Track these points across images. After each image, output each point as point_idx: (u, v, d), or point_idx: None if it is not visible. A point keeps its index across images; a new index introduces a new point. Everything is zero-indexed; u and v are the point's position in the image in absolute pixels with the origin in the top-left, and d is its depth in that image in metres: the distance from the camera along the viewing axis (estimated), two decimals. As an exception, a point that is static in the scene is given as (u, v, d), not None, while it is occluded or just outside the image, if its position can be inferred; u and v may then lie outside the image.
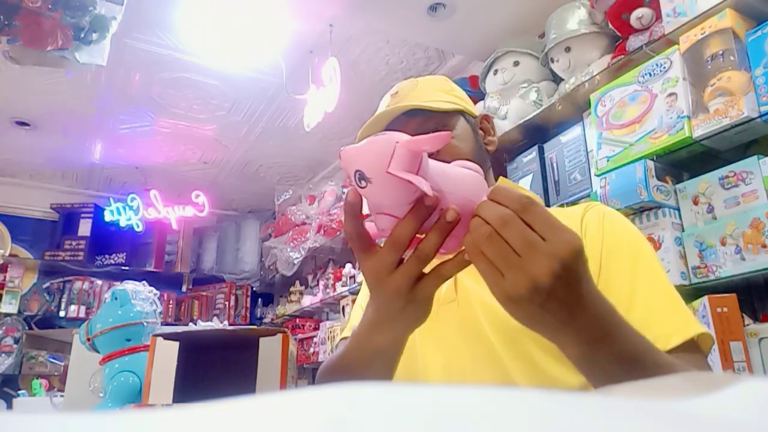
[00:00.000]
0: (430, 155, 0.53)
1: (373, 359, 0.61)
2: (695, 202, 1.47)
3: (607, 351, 0.49)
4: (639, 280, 0.69)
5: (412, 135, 0.80)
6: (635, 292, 0.67)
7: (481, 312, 0.75)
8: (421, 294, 0.51)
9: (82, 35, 1.74)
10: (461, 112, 0.85)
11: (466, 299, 0.78)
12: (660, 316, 0.65)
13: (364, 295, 0.94)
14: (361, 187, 0.48)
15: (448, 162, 0.80)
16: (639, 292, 0.67)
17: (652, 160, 1.55)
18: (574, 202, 1.85)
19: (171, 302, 4.37)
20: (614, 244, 0.72)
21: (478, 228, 0.46)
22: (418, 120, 0.81)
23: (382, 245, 0.50)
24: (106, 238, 4.13)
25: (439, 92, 0.85)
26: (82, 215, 4.15)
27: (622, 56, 1.69)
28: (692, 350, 0.64)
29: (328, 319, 3.75)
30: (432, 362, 0.77)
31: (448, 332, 0.77)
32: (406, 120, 0.82)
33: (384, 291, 0.51)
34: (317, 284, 3.78)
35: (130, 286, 1.14)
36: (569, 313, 0.46)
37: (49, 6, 1.67)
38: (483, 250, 0.45)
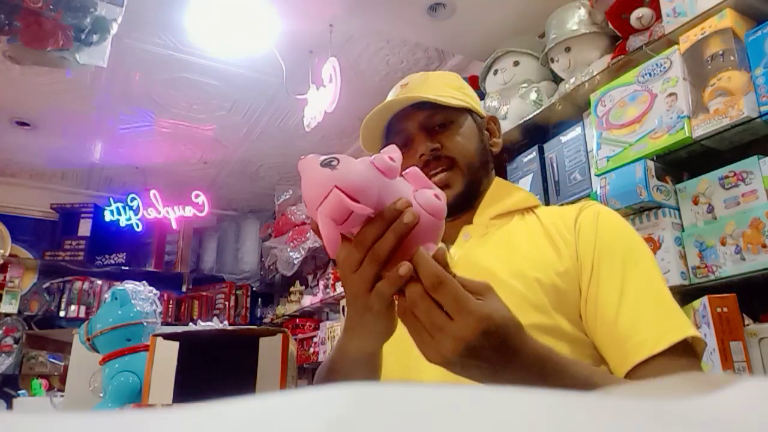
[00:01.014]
0: (424, 169, 0.55)
1: (351, 366, 0.63)
2: (695, 202, 1.47)
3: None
4: (630, 281, 0.68)
5: (419, 127, 0.83)
6: (625, 294, 0.67)
7: None
8: (376, 300, 0.50)
9: (83, 36, 1.74)
10: (469, 111, 0.85)
11: None
12: (649, 318, 0.65)
13: None
14: None
15: (452, 159, 0.83)
16: (629, 294, 0.67)
17: (652, 160, 1.55)
18: (574, 202, 1.85)
19: (171, 302, 4.37)
20: (607, 245, 0.72)
21: (400, 302, 0.49)
22: (425, 113, 0.82)
23: None
24: (106, 238, 4.13)
25: (448, 88, 0.85)
26: (82, 215, 4.15)
27: (622, 56, 1.69)
28: (685, 353, 0.63)
29: (328, 319, 3.75)
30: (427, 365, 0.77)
31: None
32: (413, 111, 0.82)
33: (347, 293, 0.53)
34: (317, 284, 3.78)
35: (130, 286, 1.14)
36: (492, 373, 0.48)
37: (51, 6, 1.67)
38: (404, 322, 0.49)
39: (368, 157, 0.50)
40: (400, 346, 0.76)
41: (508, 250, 0.77)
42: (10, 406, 2.91)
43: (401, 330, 0.75)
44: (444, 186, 0.80)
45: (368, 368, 0.63)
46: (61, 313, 3.92)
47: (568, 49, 1.89)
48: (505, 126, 2.06)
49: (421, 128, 0.83)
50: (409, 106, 0.82)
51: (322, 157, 0.48)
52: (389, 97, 0.87)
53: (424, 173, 0.82)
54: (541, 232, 0.78)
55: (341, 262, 0.51)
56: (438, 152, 0.82)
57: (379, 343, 0.59)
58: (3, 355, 3.62)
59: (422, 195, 0.52)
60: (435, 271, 0.47)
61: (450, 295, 0.46)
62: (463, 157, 0.82)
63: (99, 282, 4.08)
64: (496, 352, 0.47)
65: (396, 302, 0.51)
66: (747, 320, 1.30)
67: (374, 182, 0.48)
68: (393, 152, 0.50)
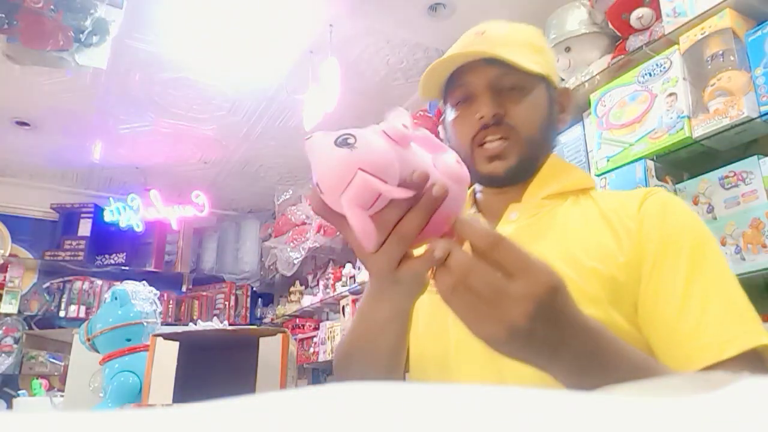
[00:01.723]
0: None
1: (378, 330, 0.58)
2: (695, 202, 1.47)
3: (599, 379, 0.45)
4: (696, 279, 0.61)
5: (486, 86, 0.74)
6: (690, 291, 0.60)
7: None
8: (404, 277, 0.47)
9: (83, 38, 1.74)
10: (545, 79, 0.76)
11: None
12: (716, 322, 0.58)
13: None
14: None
15: (513, 129, 0.73)
16: (695, 292, 0.60)
17: (652, 160, 1.55)
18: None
19: (171, 302, 4.37)
20: (673, 237, 0.64)
21: (443, 280, 0.42)
22: (497, 71, 0.73)
23: None
24: (106, 238, 4.13)
25: (528, 48, 0.76)
26: (82, 215, 4.14)
27: (622, 56, 1.69)
28: (752, 363, 0.56)
29: (328, 319, 3.75)
30: (467, 353, 0.67)
31: None
32: (484, 67, 0.73)
33: (369, 269, 0.49)
34: (317, 284, 3.78)
35: (130, 286, 1.14)
36: (553, 349, 0.43)
37: (52, 7, 1.67)
38: (451, 301, 0.42)
39: (376, 126, 0.45)
40: (436, 347, 0.72)
41: (562, 235, 0.69)
42: (10, 406, 2.91)
43: (435, 332, 0.71)
44: (495, 157, 0.73)
45: (400, 327, 0.58)
46: (61, 313, 3.91)
47: (568, 49, 1.89)
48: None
49: (489, 87, 0.74)
50: (481, 60, 0.73)
51: (335, 135, 0.42)
52: (460, 44, 0.79)
53: (477, 137, 0.75)
54: (598, 218, 0.70)
55: (356, 243, 0.46)
56: (500, 118, 0.73)
57: (412, 299, 0.54)
58: (3, 355, 3.62)
59: (441, 161, 0.47)
60: (488, 230, 0.42)
61: (512, 252, 0.41)
62: (526, 130, 0.74)
63: (99, 282, 4.08)
64: (562, 314, 0.43)
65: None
66: (747, 320, 1.30)
67: (394, 156, 0.42)
68: (404, 117, 0.45)
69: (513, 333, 0.41)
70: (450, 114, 0.79)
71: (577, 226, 0.70)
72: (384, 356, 0.62)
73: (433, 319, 0.72)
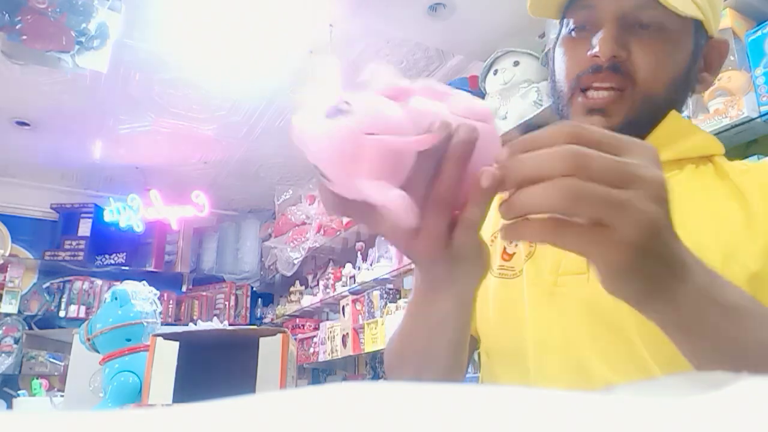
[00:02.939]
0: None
1: (437, 328, 0.47)
2: (695, 202, 1.47)
3: (724, 334, 0.37)
4: None
5: (615, 14, 0.56)
6: None
7: None
8: (461, 250, 0.38)
9: (84, 40, 1.74)
10: (698, 23, 0.58)
11: None
12: None
13: None
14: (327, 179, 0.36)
15: (632, 81, 0.56)
16: None
17: (652, 160, 1.55)
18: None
19: (171, 302, 4.37)
20: None
21: (554, 186, 0.31)
22: (632, 2, 0.56)
23: None
24: (106, 238, 4.13)
25: None
26: (82, 215, 4.14)
27: (622, 56, 1.69)
28: None
29: (328, 319, 3.75)
30: (544, 349, 0.58)
31: (568, 313, 0.57)
32: None
33: (415, 257, 0.41)
34: (317, 284, 3.78)
35: (130, 286, 1.14)
36: (667, 281, 0.35)
37: (57, 9, 1.67)
38: (572, 206, 0.31)
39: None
40: (510, 341, 0.61)
41: (679, 213, 0.55)
42: (10, 406, 2.91)
43: (509, 324, 0.61)
44: (598, 110, 0.57)
45: (462, 319, 0.47)
46: (61, 313, 3.92)
47: (568, 49, 1.89)
48: (506, 126, 2.06)
49: (619, 18, 0.56)
50: None
51: (324, 108, 0.36)
52: None
53: (584, 79, 0.57)
54: (728, 194, 0.55)
55: (391, 229, 0.38)
56: (620, 62, 0.56)
57: (476, 281, 0.44)
58: (3, 355, 3.62)
59: (457, 103, 0.38)
60: (601, 132, 0.33)
61: (614, 136, 0.33)
62: (650, 85, 0.57)
63: (99, 282, 4.08)
64: (674, 236, 0.35)
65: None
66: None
67: (402, 111, 0.35)
68: (388, 74, 0.38)
69: (652, 225, 0.32)
70: (562, 40, 0.62)
71: (698, 203, 0.55)
72: (443, 356, 0.50)
73: (505, 307, 0.62)
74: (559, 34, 0.64)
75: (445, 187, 0.35)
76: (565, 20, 0.62)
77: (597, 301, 0.55)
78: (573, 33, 0.61)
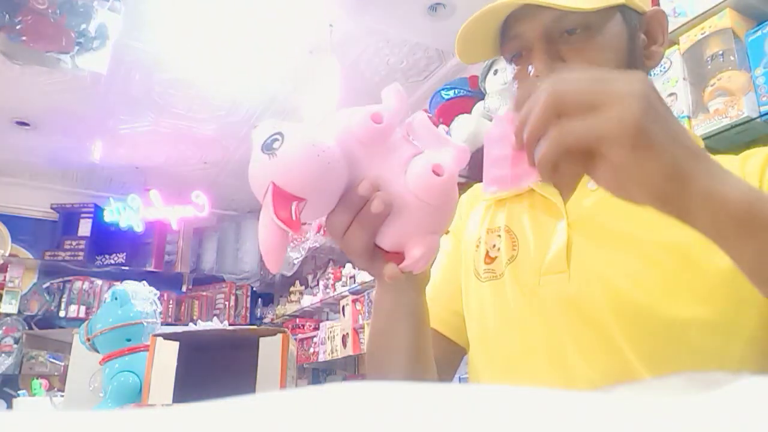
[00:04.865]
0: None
1: (391, 324, 0.56)
2: (695, 202, 1.47)
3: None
4: None
5: (540, 34, 0.59)
6: None
7: (600, 291, 0.56)
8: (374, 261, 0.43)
9: (84, 41, 1.75)
10: (622, 7, 0.59)
11: (582, 272, 0.58)
12: None
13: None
14: None
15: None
16: None
17: (652, 160, 1.55)
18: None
19: (171, 302, 4.37)
20: None
21: (545, 141, 0.36)
22: (550, 13, 0.57)
23: None
24: (106, 238, 4.13)
25: None
26: (82, 215, 4.15)
27: (622, 56, 1.69)
28: None
29: (328, 319, 3.75)
30: (528, 347, 0.61)
31: (550, 311, 0.59)
32: (534, 10, 0.58)
33: (351, 258, 0.45)
34: (317, 284, 3.78)
35: (130, 286, 1.14)
36: (674, 138, 0.36)
37: (57, 10, 1.67)
38: (565, 145, 0.36)
39: (349, 110, 0.40)
40: (497, 339, 0.65)
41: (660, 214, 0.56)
42: (10, 406, 2.91)
43: (496, 326, 0.64)
44: None
45: (410, 319, 0.55)
46: (61, 313, 3.92)
47: (568, 49, 1.89)
48: (505, 126, 2.06)
49: (543, 36, 0.59)
50: (526, 6, 0.58)
51: (268, 134, 0.39)
52: None
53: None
54: None
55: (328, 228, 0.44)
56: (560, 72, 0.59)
57: (417, 288, 0.51)
58: (3, 355, 3.62)
59: (416, 166, 0.39)
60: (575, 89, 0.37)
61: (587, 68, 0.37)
62: None
63: (99, 282, 4.08)
64: (672, 118, 0.37)
65: None
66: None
67: (324, 165, 0.37)
68: (393, 99, 0.40)
69: (645, 100, 0.35)
70: (512, 75, 0.66)
71: None
72: (402, 352, 0.57)
73: (493, 310, 0.66)
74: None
75: (352, 243, 0.42)
76: (503, 54, 0.65)
77: (578, 299, 0.58)
78: (513, 64, 0.64)
